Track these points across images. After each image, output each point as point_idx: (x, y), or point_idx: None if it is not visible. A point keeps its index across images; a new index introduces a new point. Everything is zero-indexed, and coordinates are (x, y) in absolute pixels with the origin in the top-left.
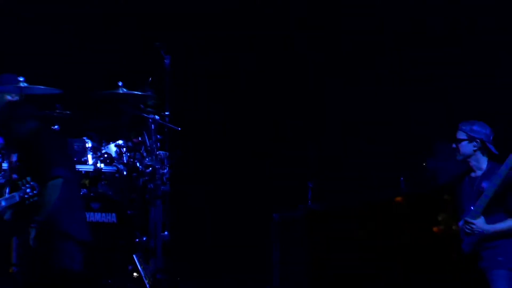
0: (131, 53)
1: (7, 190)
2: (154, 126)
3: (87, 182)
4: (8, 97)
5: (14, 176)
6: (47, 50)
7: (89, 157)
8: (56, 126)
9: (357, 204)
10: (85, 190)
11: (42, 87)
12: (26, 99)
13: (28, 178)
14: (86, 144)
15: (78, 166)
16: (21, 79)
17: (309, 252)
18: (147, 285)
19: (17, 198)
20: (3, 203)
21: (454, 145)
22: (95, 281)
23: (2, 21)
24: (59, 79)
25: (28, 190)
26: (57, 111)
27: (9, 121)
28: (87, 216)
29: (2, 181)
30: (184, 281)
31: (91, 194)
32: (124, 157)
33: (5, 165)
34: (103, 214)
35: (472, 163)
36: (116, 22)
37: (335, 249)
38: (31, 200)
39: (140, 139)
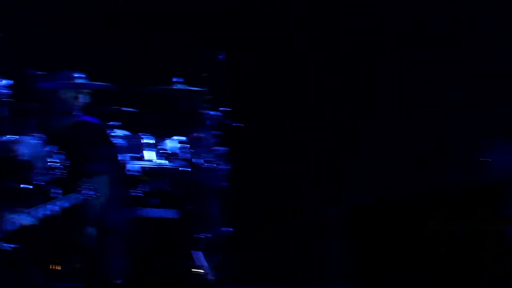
0: (188, 48)
1: (54, 188)
2: (212, 122)
3: (146, 178)
4: (64, 94)
5: (59, 174)
6: (104, 46)
7: (148, 153)
8: (114, 122)
9: (411, 197)
10: (144, 186)
11: (99, 83)
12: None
13: (91, 180)
14: (145, 140)
15: (138, 163)
16: (80, 75)
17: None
18: (209, 281)
19: (80, 199)
20: (65, 204)
21: None
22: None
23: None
24: (118, 75)
25: (91, 192)
26: (117, 107)
27: (46, 120)
28: (147, 212)
29: (49, 178)
30: (245, 276)
31: (151, 190)
32: (183, 153)
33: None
34: (163, 210)
35: None
36: (172, 17)
37: (386, 246)
38: (94, 202)
39: (198, 134)
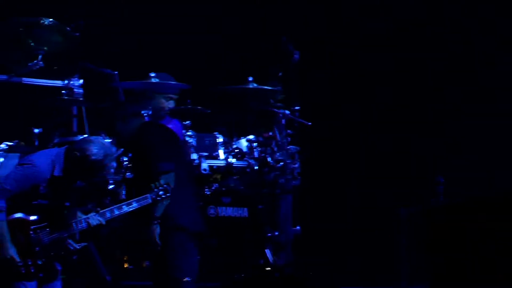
0: (261, 47)
1: (123, 188)
2: (284, 121)
3: (218, 177)
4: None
5: (128, 174)
6: (179, 46)
7: (220, 152)
8: (187, 122)
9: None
10: (216, 184)
11: (173, 82)
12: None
13: (162, 181)
14: (217, 139)
15: (210, 162)
16: (152, 74)
17: (435, 248)
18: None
19: (150, 200)
20: (134, 204)
21: None
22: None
23: (133, 18)
24: (190, 74)
25: (161, 193)
26: (189, 106)
27: (115, 121)
28: (219, 210)
29: (118, 178)
30: (315, 276)
31: (223, 188)
32: (255, 152)
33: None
34: (234, 209)
35: None
36: (246, 18)
37: (467, 246)
38: (164, 202)
39: (270, 133)
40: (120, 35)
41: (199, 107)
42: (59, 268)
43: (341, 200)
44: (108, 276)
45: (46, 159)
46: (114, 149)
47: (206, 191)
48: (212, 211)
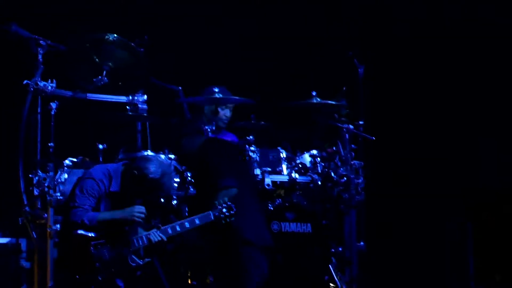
0: (325, 62)
1: (185, 205)
2: (348, 136)
3: (282, 192)
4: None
5: (191, 191)
6: (243, 61)
7: (284, 167)
8: (251, 137)
9: None
10: (279, 200)
11: (237, 97)
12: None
13: (226, 198)
14: (281, 154)
15: (273, 177)
16: (216, 89)
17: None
18: None
19: (212, 217)
20: (196, 221)
21: None
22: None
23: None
24: (254, 89)
25: (224, 210)
26: (252, 121)
27: (180, 137)
28: (282, 226)
29: (181, 194)
30: None
31: (286, 204)
32: (319, 167)
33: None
34: (298, 224)
35: None
36: (311, 32)
37: None
38: (227, 220)
39: (334, 149)
40: (184, 50)
41: (262, 122)
42: (120, 284)
43: (405, 215)
44: None
45: (103, 173)
46: (172, 167)
47: (270, 206)
48: (275, 227)
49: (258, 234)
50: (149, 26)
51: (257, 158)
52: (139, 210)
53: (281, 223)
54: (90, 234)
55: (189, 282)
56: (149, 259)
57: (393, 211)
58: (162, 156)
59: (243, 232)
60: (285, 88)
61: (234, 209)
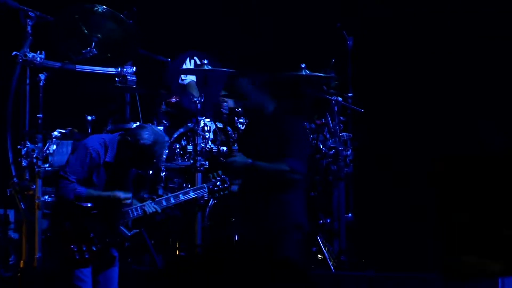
0: (314, 34)
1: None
2: (337, 108)
3: None
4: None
5: (179, 162)
6: (231, 32)
7: None
8: (239, 109)
9: None
10: None
11: (225, 69)
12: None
13: (220, 172)
14: None
15: None
16: (205, 61)
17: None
18: (331, 267)
19: (206, 190)
20: (191, 193)
21: None
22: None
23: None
24: (242, 61)
25: (218, 183)
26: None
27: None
28: None
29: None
30: (368, 263)
31: None
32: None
33: (190, 148)
34: None
35: None
36: (298, 3)
37: None
38: (221, 193)
39: (323, 120)
40: (173, 22)
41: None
42: (115, 254)
43: (393, 187)
44: (160, 263)
45: (99, 143)
46: (166, 138)
47: None
48: None
49: (305, 220)
50: None
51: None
52: (125, 196)
53: None
54: (85, 204)
55: (177, 253)
56: (137, 230)
57: (381, 183)
58: (155, 126)
59: (297, 216)
60: (274, 60)
61: (228, 183)
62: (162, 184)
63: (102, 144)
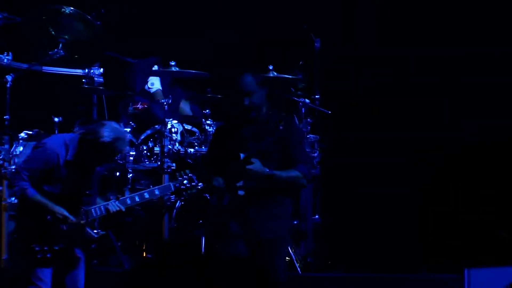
0: (281, 36)
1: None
2: (304, 110)
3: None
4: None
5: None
6: (198, 34)
7: None
8: (207, 110)
9: None
10: None
11: (192, 71)
12: None
13: (187, 171)
14: None
15: None
16: (172, 63)
17: None
18: (298, 268)
19: (172, 188)
20: (156, 192)
21: None
22: None
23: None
24: (209, 63)
25: (185, 182)
26: (208, 95)
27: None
28: None
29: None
30: (334, 265)
31: None
32: None
33: (157, 149)
34: None
35: None
36: (266, 5)
37: None
38: (188, 192)
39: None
40: (140, 24)
41: (219, 96)
42: (80, 255)
43: (360, 189)
44: (127, 264)
45: (59, 143)
46: (126, 133)
47: None
48: None
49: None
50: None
51: (213, 132)
52: (69, 218)
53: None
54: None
55: (144, 255)
56: (104, 232)
57: (348, 185)
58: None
59: (291, 222)
60: (241, 62)
61: (196, 181)
62: (129, 186)
63: (62, 144)
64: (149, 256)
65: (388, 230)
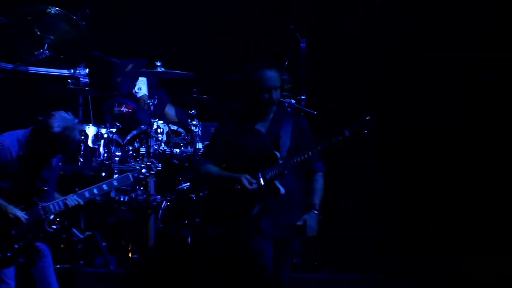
0: (267, 36)
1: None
2: (290, 110)
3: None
4: None
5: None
6: (185, 35)
7: None
8: (193, 111)
9: None
10: None
11: (178, 71)
12: None
13: (145, 159)
14: None
15: None
16: (158, 63)
17: None
18: None
19: (131, 179)
20: (115, 183)
21: None
22: None
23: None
24: (195, 63)
25: (144, 171)
26: (194, 95)
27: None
28: None
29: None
30: (321, 265)
31: None
32: None
33: (143, 150)
34: None
35: None
36: (252, 5)
37: None
38: (147, 179)
39: None
40: (125, 24)
41: (205, 96)
42: (43, 248)
43: (344, 190)
44: (113, 265)
45: (11, 139)
46: (76, 121)
47: None
48: None
49: None
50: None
51: (199, 132)
52: (18, 217)
53: None
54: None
55: (130, 255)
56: (90, 233)
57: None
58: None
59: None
60: (227, 62)
61: (155, 170)
62: None
63: (15, 140)
64: (135, 256)
65: (370, 231)
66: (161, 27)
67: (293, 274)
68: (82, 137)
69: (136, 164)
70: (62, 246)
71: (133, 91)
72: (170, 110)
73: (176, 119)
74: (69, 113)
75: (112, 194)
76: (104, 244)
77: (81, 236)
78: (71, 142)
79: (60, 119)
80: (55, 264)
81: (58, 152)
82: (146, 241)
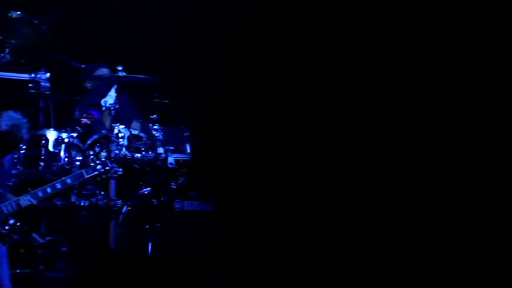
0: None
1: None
2: None
3: (185, 170)
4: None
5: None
6: (146, 40)
7: (188, 146)
8: (154, 115)
9: None
10: (183, 178)
11: (141, 76)
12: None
13: (100, 154)
14: (185, 133)
15: (176, 155)
16: (120, 68)
17: None
18: None
19: (85, 175)
20: (68, 181)
21: None
22: None
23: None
24: (157, 68)
25: (99, 167)
26: (156, 100)
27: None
28: (185, 204)
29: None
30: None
31: (188, 183)
32: None
33: (104, 154)
34: (201, 203)
35: None
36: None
37: None
38: (103, 176)
39: None
40: (87, 28)
41: (166, 101)
42: None
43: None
44: (73, 270)
45: None
46: (24, 120)
47: (173, 185)
48: (178, 205)
49: None
50: (54, 4)
51: (161, 137)
52: None
53: (184, 201)
54: None
55: (90, 260)
56: (50, 238)
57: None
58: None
59: None
60: (191, 67)
61: (110, 165)
62: (76, 191)
63: None
64: (95, 261)
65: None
66: (123, 31)
67: None
68: (43, 141)
69: (91, 162)
70: (22, 251)
71: (102, 101)
72: (136, 127)
73: (142, 135)
74: (18, 112)
75: (73, 199)
76: (64, 249)
77: (42, 241)
78: (18, 140)
79: (8, 118)
80: (16, 268)
81: (6, 151)
82: (106, 245)
